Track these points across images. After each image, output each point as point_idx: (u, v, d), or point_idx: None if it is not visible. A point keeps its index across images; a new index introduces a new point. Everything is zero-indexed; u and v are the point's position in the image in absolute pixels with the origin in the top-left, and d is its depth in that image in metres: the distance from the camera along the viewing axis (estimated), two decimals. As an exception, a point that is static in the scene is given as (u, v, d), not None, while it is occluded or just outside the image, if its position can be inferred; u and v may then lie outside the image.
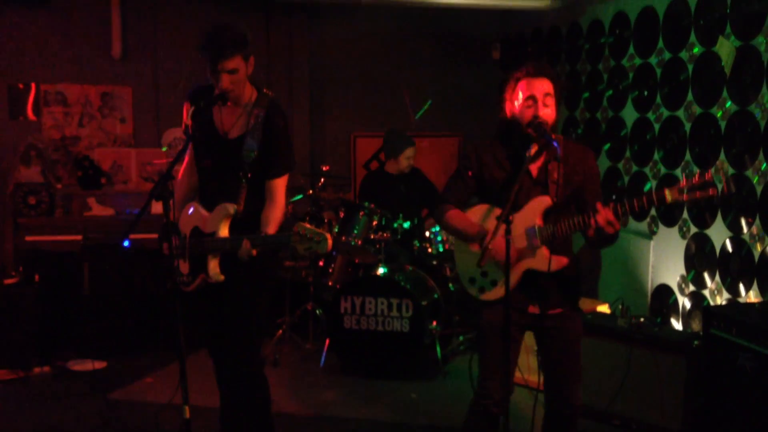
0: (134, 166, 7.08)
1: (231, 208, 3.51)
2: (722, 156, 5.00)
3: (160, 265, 5.75)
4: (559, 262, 3.29)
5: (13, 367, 5.59)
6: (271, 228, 3.48)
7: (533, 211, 3.30)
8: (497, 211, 3.34)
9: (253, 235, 3.39)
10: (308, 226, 3.22)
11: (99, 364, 5.76)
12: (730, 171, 4.91)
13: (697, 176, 3.02)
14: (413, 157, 6.25)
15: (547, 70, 3.30)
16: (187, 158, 3.79)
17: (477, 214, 3.46)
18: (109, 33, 7.09)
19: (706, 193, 3.00)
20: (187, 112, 3.64)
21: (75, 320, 5.97)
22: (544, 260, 3.28)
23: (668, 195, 3.04)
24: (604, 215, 3.08)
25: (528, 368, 4.98)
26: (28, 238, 6.14)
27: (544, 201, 3.29)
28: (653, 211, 5.71)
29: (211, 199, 3.62)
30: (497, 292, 3.37)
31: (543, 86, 3.26)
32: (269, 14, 7.63)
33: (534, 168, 3.36)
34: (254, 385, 3.73)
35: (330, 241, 3.19)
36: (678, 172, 5.44)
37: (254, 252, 3.37)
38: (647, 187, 5.79)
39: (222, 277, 3.53)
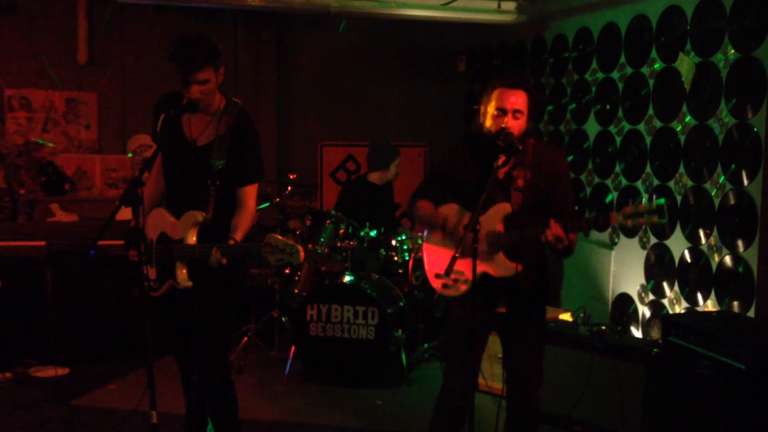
0: (98, 173, 7.04)
1: (199, 215, 3.53)
2: (681, 169, 5.13)
3: (126, 270, 5.72)
4: (513, 268, 3.34)
5: (-26, 373, 5.53)
6: (239, 234, 3.50)
7: (495, 217, 3.36)
8: (466, 215, 3.38)
9: (224, 245, 3.41)
10: (280, 237, 3.25)
11: (62, 371, 5.71)
12: (689, 183, 5.04)
13: (641, 204, 3.10)
14: (399, 164, 6.34)
15: (523, 82, 3.33)
16: (156, 164, 3.80)
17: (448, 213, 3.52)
18: (75, 39, 7.06)
19: (650, 221, 3.07)
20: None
21: (37, 326, 5.89)
22: (500, 266, 3.36)
23: (613, 218, 3.14)
24: (554, 231, 3.16)
25: (492, 375, 5.04)
26: (-10, 244, 6.08)
27: (504, 208, 3.36)
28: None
29: (179, 206, 3.63)
30: (457, 291, 3.45)
31: (516, 99, 3.30)
32: (237, 23, 7.65)
33: (501, 171, 3.40)
34: (220, 391, 3.73)
35: (302, 253, 3.24)
36: (639, 184, 5.56)
37: (224, 261, 3.39)
38: (608, 199, 5.90)
39: (190, 284, 3.54)
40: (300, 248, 3.24)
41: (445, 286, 3.49)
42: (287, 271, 6.23)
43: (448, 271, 3.14)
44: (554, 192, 3.41)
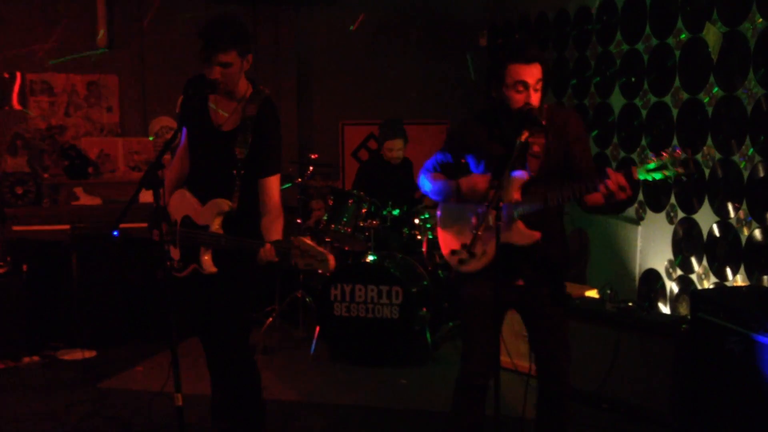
0: (121, 155, 7.06)
1: (225, 205, 3.48)
2: (709, 141, 5.04)
3: (151, 251, 5.74)
4: (532, 236, 3.29)
5: (2, 357, 5.59)
6: (274, 237, 3.41)
7: (511, 187, 3.29)
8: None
9: (256, 241, 3.35)
10: (308, 242, 3.15)
11: (89, 354, 5.76)
12: (717, 155, 4.95)
13: (663, 154, 3.05)
14: (399, 149, 6.14)
15: (538, 55, 3.27)
16: (181, 144, 3.77)
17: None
18: (95, 21, 7.05)
19: (674, 173, 3.05)
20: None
21: (64, 310, 5.96)
22: (519, 234, 3.30)
23: (635, 172, 3.06)
24: (615, 180, 3.02)
25: (517, 354, 5.00)
26: (16, 228, 6.12)
27: (520, 176, 3.30)
28: (641, 196, 5.74)
29: (203, 190, 3.59)
30: (476, 265, 3.38)
31: (535, 73, 3.24)
32: (256, 3, 7.60)
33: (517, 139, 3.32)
34: (245, 371, 3.73)
35: (332, 262, 3.13)
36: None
37: (276, 259, 3.29)
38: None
39: (215, 270, 3.52)
40: (331, 256, 3.13)
41: (461, 261, 3.43)
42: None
43: (471, 249, 3.11)
44: (572, 153, 3.33)
